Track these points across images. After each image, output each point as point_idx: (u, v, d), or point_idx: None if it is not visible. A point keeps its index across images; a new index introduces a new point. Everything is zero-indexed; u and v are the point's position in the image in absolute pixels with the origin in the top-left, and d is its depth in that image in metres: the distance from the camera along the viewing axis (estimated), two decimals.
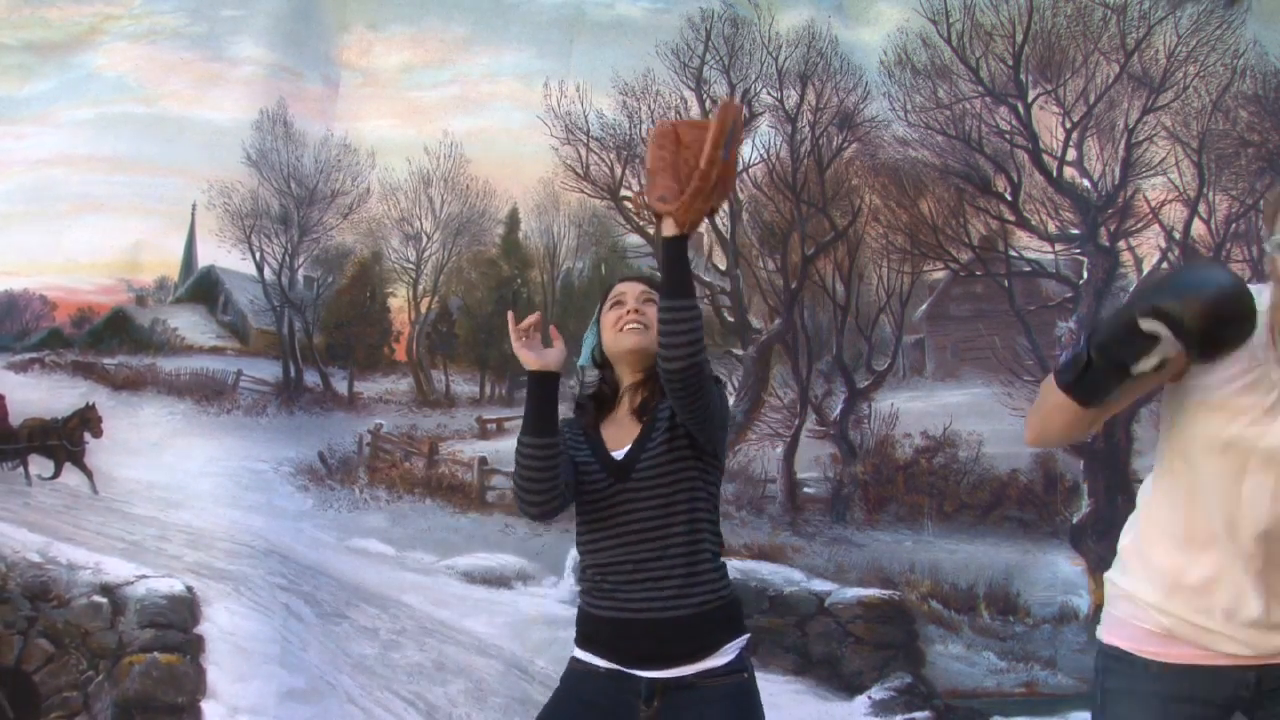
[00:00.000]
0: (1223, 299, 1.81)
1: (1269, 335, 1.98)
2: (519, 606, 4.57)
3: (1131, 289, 4.55)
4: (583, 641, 2.63)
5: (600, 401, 2.61)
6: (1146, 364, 1.86)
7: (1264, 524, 2.00)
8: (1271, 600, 2.03)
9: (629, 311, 2.55)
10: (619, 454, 2.55)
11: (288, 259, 4.91)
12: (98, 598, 4.44)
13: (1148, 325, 1.83)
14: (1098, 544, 4.46)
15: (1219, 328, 1.82)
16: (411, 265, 4.92)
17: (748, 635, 2.58)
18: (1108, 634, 2.20)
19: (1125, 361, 1.87)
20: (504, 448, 4.61)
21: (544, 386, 2.38)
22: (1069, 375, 1.94)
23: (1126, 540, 2.21)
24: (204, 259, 4.95)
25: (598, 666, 2.58)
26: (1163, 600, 2.10)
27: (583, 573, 2.61)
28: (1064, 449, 4.37)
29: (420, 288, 4.93)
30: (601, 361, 2.65)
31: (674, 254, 2.31)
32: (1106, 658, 2.19)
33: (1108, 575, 2.21)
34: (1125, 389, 1.96)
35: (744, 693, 2.55)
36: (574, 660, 2.64)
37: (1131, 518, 2.20)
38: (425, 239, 4.89)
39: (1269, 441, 1.98)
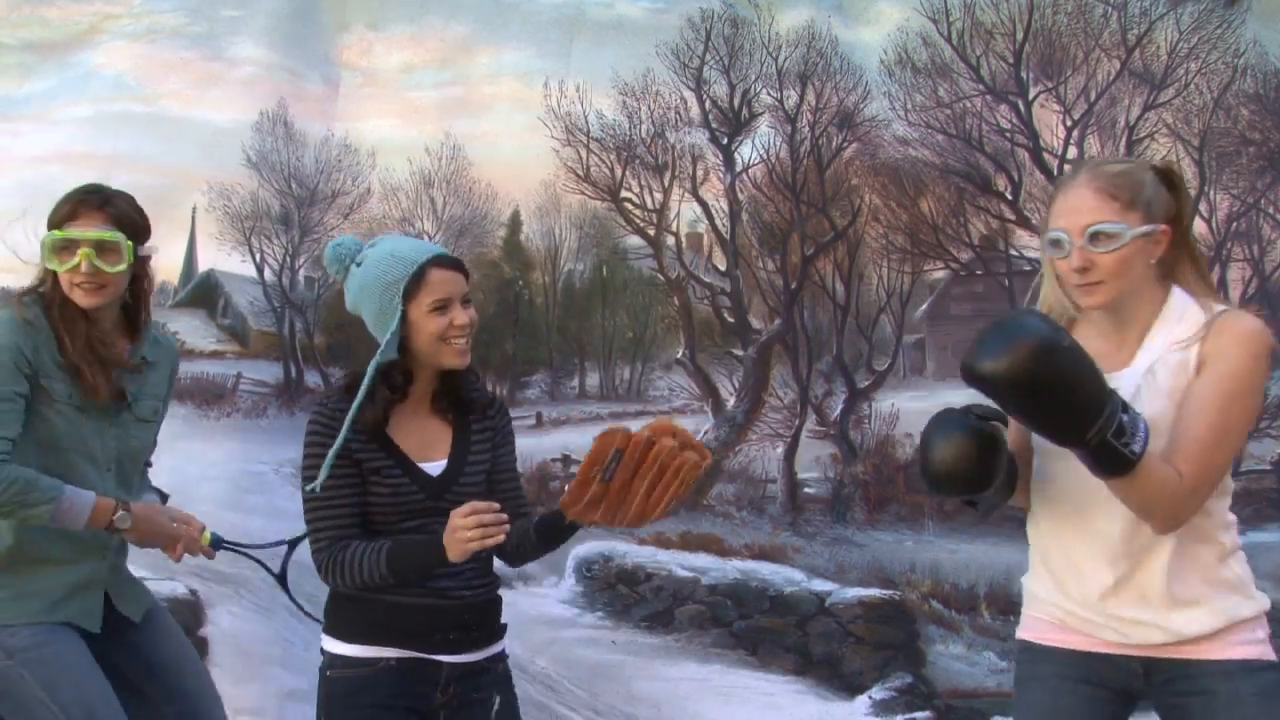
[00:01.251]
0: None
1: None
2: (519, 606, 4.56)
3: None
4: (362, 635, 2.49)
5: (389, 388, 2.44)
6: None
7: (1113, 512, 2.07)
8: (1131, 589, 2.11)
9: (459, 326, 2.40)
10: (432, 468, 2.48)
11: (288, 260, 4.90)
12: None
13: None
14: None
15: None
16: None
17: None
18: (1019, 632, 2.32)
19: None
20: None
21: (444, 565, 2.34)
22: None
23: (1031, 543, 2.31)
24: (204, 262, 4.95)
25: (388, 659, 2.48)
26: (1053, 593, 2.21)
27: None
28: None
29: None
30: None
31: (558, 535, 2.43)
32: (1019, 654, 2.31)
33: (1023, 578, 2.34)
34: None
35: (510, 679, 2.60)
36: (342, 664, 2.50)
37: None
38: (427, 240, 4.89)
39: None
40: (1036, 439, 2.13)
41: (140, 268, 2.83)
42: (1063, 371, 1.82)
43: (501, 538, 2.28)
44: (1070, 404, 1.83)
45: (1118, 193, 2.04)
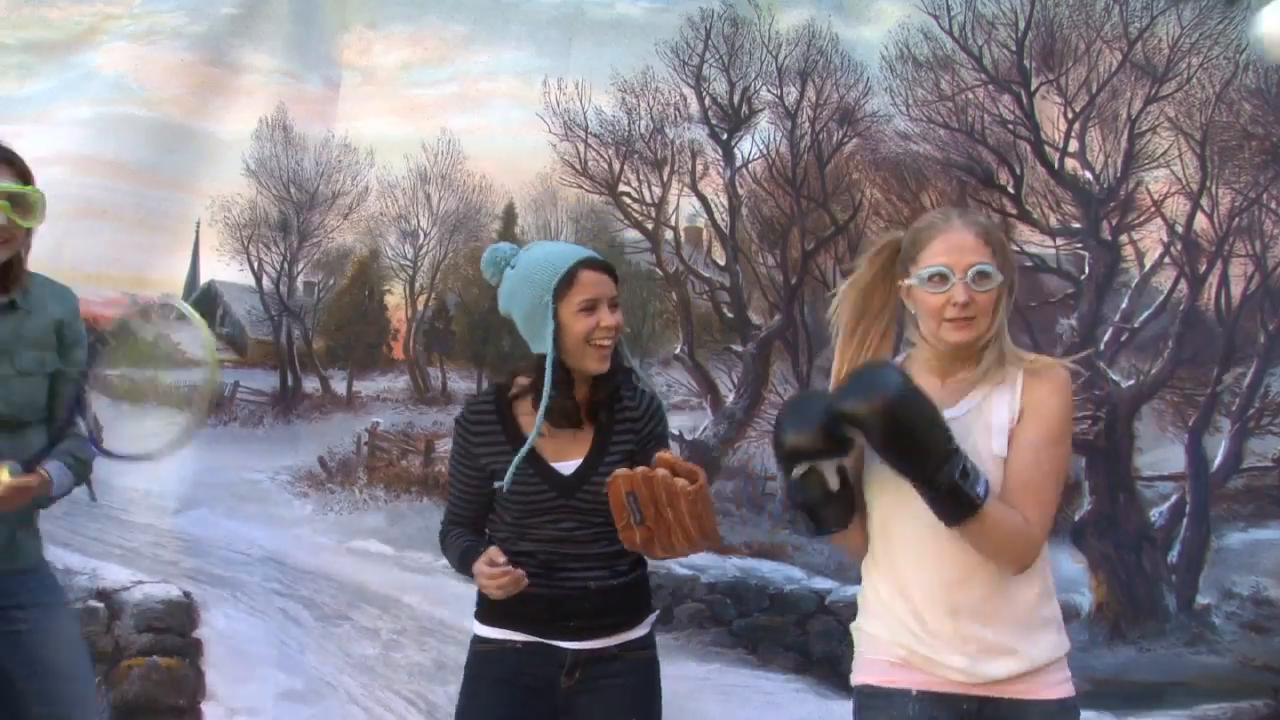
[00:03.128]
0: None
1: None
2: None
3: (1134, 284, 4.53)
4: (495, 618, 2.59)
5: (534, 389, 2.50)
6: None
7: (949, 554, 2.18)
8: (972, 625, 2.20)
9: (605, 328, 2.45)
10: (565, 468, 2.53)
11: (286, 266, 4.90)
12: (94, 603, 4.45)
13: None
14: (1099, 542, 4.43)
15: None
16: (409, 263, 4.91)
17: (657, 611, 2.63)
18: (855, 678, 2.33)
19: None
20: None
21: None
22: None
23: (863, 585, 2.34)
24: (205, 274, 4.96)
25: (514, 642, 2.57)
26: (897, 631, 2.25)
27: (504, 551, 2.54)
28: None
29: (417, 285, 4.92)
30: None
31: None
32: (861, 697, 2.29)
33: (852, 625, 2.36)
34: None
35: (653, 666, 2.62)
36: (479, 642, 2.62)
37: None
38: (423, 236, 4.89)
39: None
40: (875, 485, 2.25)
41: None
42: (915, 415, 2.03)
43: (514, 590, 2.41)
44: (923, 445, 2.02)
45: (990, 240, 2.21)
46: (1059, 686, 2.23)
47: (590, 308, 2.45)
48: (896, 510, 2.21)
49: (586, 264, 2.48)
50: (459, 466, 2.62)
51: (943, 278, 2.16)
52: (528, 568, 2.47)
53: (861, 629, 2.34)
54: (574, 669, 2.54)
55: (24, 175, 2.75)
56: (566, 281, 2.46)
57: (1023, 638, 2.21)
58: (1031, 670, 2.20)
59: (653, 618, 2.65)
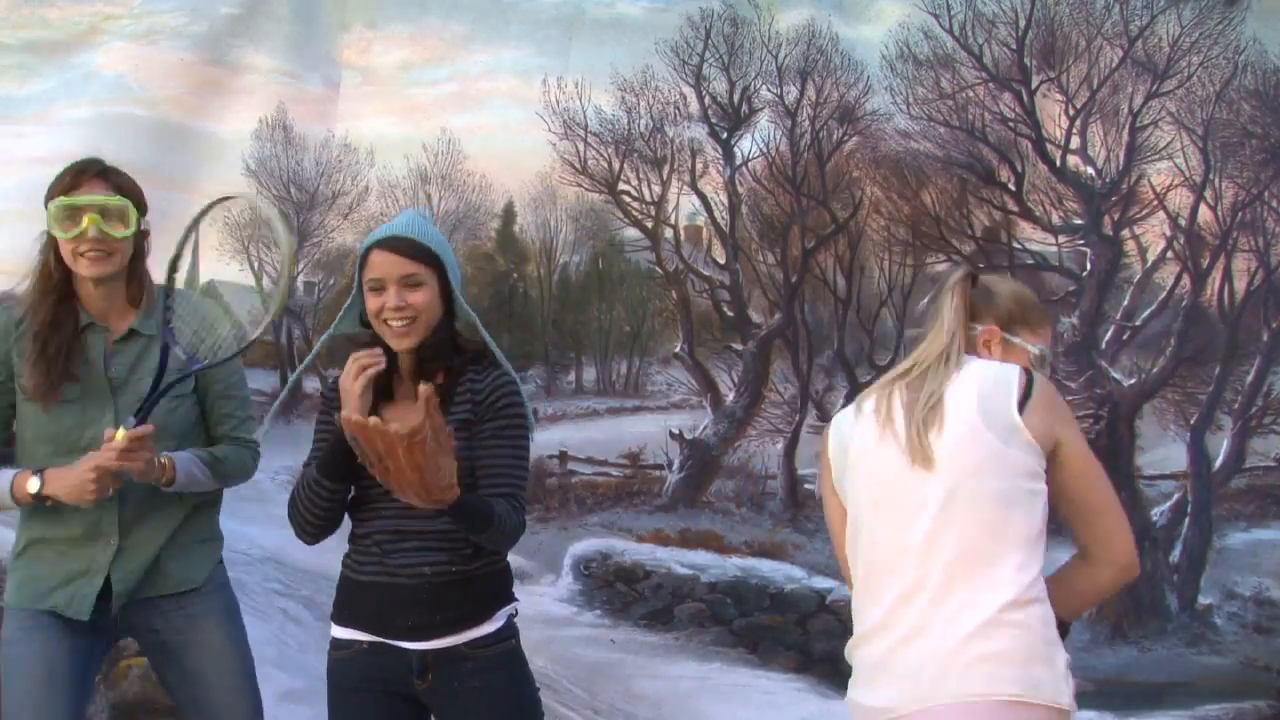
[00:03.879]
0: None
1: None
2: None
3: (1136, 280, 4.52)
4: (342, 615, 2.51)
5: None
6: None
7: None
8: None
9: (391, 309, 2.44)
10: None
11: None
12: None
13: None
14: None
15: None
16: None
17: (516, 602, 2.53)
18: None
19: None
20: None
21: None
22: None
23: None
24: (205, 274, 4.95)
25: (361, 643, 2.47)
26: None
27: (351, 539, 2.51)
28: None
29: None
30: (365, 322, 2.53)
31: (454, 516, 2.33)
32: None
33: None
34: None
35: (512, 660, 2.51)
36: (333, 645, 2.52)
37: None
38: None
39: None
40: None
41: (140, 240, 2.82)
42: None
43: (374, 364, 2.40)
44: None
45: None
46: None
47: (377, 288, 2.47)
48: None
49: (379, 244, 2.50)
50: (316, 434, 2.63)
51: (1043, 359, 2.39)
52: (368, 554, 2.44)
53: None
54: (424, 671, 2.45)
55: (122, 187, 2.73)
56: (362, 263, 2.53)
57: None
58: None
59: (506, 610, 2.54)
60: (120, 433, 2.55)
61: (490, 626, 2.51)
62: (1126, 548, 2.25)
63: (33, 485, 2.61)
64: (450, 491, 2.22)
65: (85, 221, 2.63)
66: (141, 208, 2.79)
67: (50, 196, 2.70)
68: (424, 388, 2.15)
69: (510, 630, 2.57)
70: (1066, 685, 2.12)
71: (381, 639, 2.47)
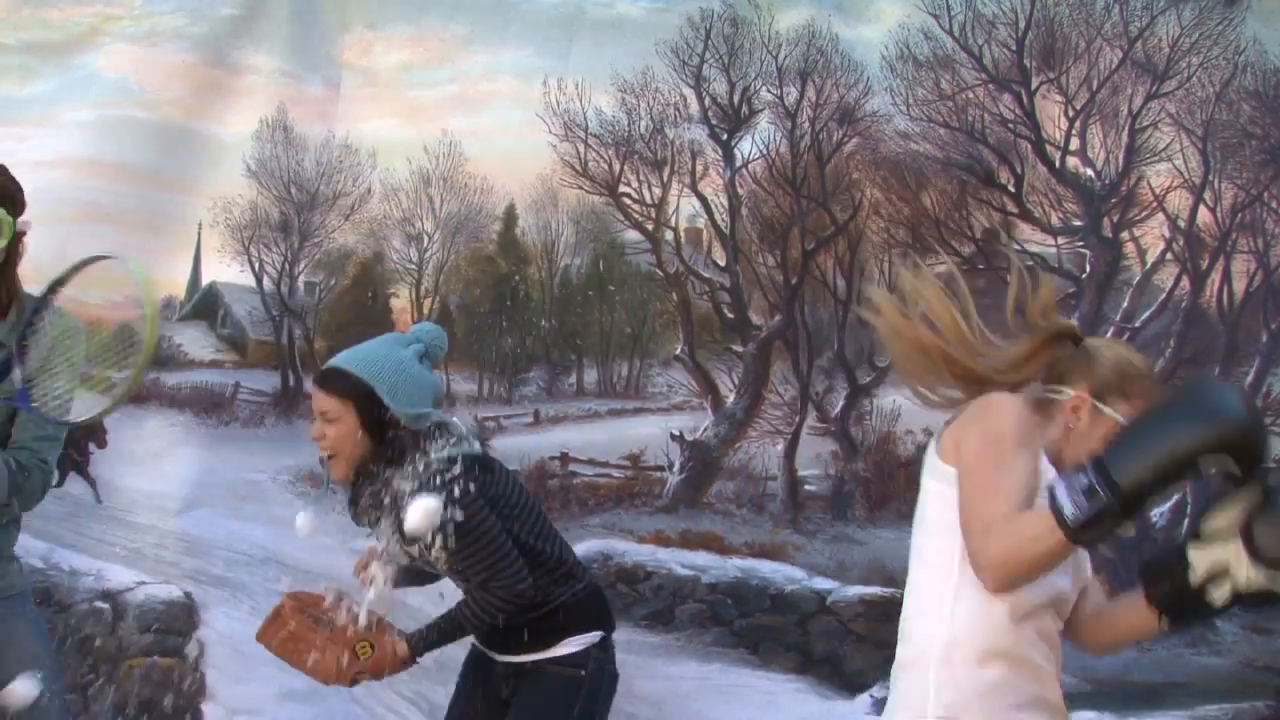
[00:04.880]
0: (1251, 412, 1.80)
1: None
2: None
3: (1136, 281, 4.51)
4: None
5: None
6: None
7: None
8: None
9: (315, 438, 2.72)
10: None
11: (287, 266, 4.90)
12: (99, 603, 4.46)
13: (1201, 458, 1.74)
14: (1101, 542, 4.41)
15: (1262, 439, 1.77)
16: (414, 266, 4.91)
17: (599, 633, 2.82)
18: None
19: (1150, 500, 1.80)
20: (502, 446, 4.59)
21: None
22: (1081, 518, 1.78)
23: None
24: (207, 275, 4.96)
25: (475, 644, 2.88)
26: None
27: None
28: None
29: (422, 288, 4.92)
30: None
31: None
32: None
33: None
34: None
35: (571, 685, 2.79)
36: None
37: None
38: (426, 239, 4.88)
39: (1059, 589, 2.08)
40: None
41: (14, 246, 2.56)
42: None
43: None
44: None
45: None
46: None
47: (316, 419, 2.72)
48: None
49: (317, 380, 2.75)
50: None
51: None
52: None
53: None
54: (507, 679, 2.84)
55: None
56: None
57: None
58: None
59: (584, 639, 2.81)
60: None
61: (563, 650, 2.80)
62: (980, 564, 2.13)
63: None
64: (347, 678, 2.71)
65: None
66: (18, 209, 2.54)
67: None
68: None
69: (583, 659, 2.82)
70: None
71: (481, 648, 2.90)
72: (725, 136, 4.72)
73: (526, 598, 2.68)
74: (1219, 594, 1.88)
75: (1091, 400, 2.13)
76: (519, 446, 4.68)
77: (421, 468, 2.64)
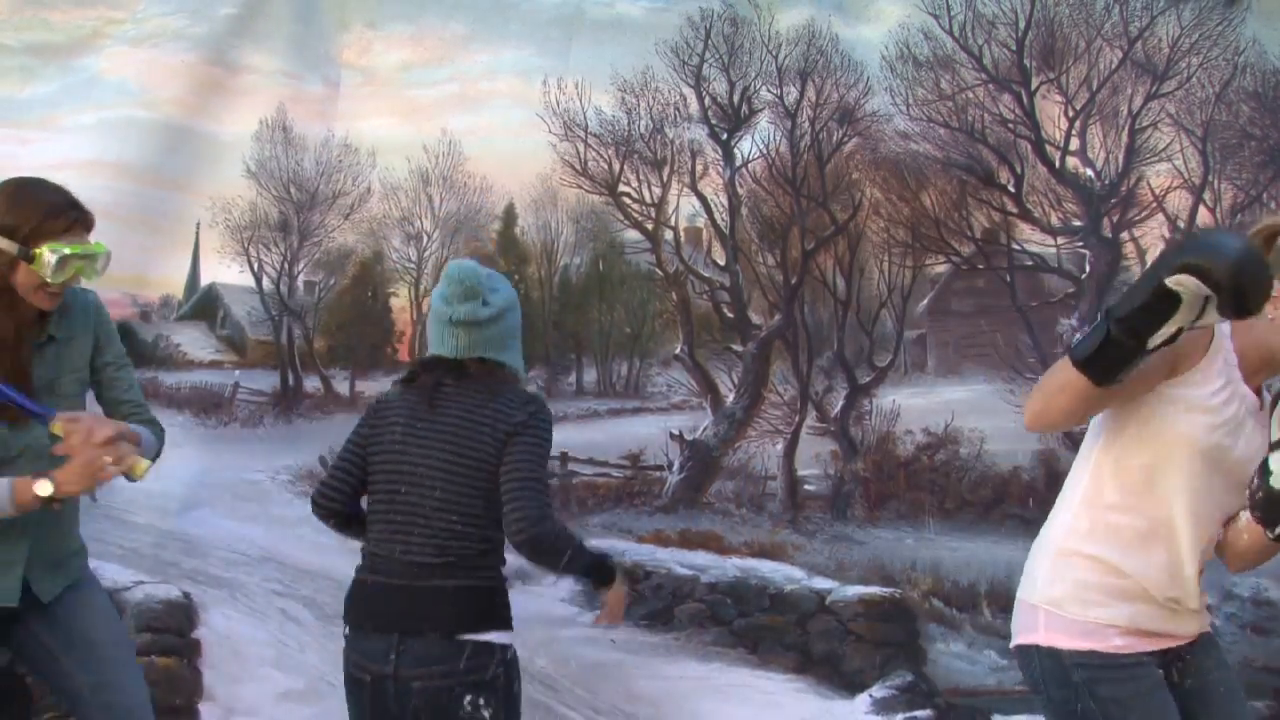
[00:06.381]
0: (1247, 254, 1.81)
1: (1238, 357, 2.14)
2: (518, 605, 4.53)
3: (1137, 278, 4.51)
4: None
5: None
6: (1164, 333, 1.84)
7: (1218, 520, 2.18)
8: (1198, 580, 2.20)
9: None
10: None
11: (286, 266, 4.90)
12: None
13: (1175, 281, 1.81)
14: None
15: (1246, 280, 1.81)
16: (413, 265, 4.91)
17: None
18: (1070, 638, 2.19)
19: (1144, 333, 1.86)
20: None
21: None
22: (1086, 350, 1.91)
23: (1070, 543, 2.23)
24: (206, 276, 4.96)
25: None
26: (1130, 594, 2.17)
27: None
28: (1065, 446, 4.32)
29: (422, 287, 4.92)
30: None
31: None
32: (1085, 668, 2.18)
33: (1038, 580, 2.24)
34: (1133, 375, 1.95)
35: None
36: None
37: (1065, 520, 2.26)
38: (426, 238, 4.88)
39: (1239, 453, 2.12)
40: (1156, 424, 2.14)
41: None
42: None
43: None
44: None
45: None
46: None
47: None
48: (1177, 453, 2.12)
49: None
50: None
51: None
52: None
53: (1085, 580, 2.20)
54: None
55: (91, 228, 2.74)
56: None
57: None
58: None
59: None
60: (58, 425, 2.58)
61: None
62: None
63: (43, 489, 2.63)
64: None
65: (71, 270, 2.64)
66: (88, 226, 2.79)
67: (32, 233, 2.67)
68: None
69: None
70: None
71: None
72: (725, 136, 4.72)
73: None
74: None
75: None
76: None
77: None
